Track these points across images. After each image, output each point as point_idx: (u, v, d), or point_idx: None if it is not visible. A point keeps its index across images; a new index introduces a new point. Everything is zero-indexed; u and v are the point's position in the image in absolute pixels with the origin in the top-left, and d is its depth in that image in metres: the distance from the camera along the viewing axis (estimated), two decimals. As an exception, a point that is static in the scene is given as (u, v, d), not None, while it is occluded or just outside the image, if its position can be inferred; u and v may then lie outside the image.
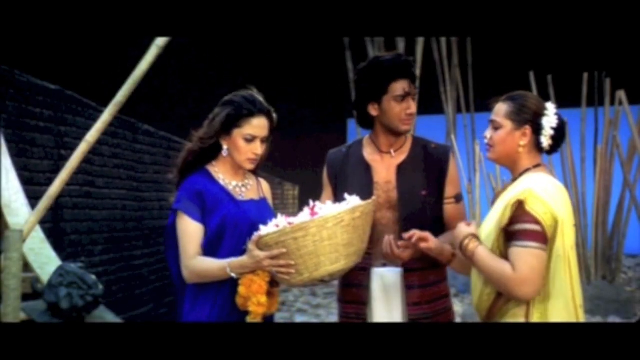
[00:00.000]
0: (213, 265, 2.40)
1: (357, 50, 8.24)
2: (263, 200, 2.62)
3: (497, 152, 2.41)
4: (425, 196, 2.68)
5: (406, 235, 2.54)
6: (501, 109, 2.39)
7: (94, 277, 3.41)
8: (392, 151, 2.74)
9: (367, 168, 2.74)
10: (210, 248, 2.45)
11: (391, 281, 2.67)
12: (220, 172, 2.55)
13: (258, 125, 2.47)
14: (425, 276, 2.68)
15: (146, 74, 2.85)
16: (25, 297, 3.08)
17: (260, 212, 2.51)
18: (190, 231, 2.45)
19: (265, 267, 2.30)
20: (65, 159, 4.60)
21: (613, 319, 7.56)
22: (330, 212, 2.29)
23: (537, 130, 2.34)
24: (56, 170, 4.83)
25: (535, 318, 2.23)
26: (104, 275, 5.67)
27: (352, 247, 2.35)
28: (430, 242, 2.52)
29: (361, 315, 2.68)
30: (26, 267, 3.39)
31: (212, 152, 2.53)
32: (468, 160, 8.59)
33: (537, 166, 2.37)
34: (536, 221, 2.20)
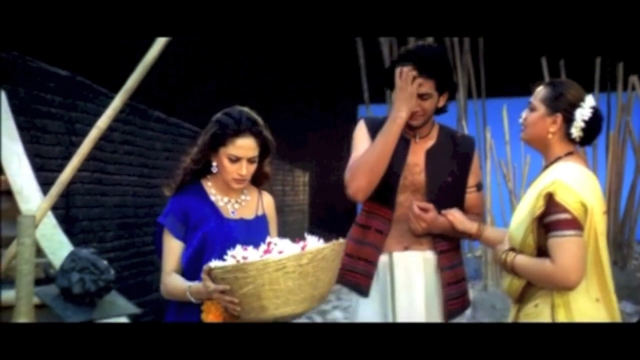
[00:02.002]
0: (179, 286, 2.36)
1: (368, 37, 8.21)
2: (260, 218, 2.54)
3: (527, 133, 2.43)
4: (450, 183, 2.73)
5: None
6: (539, 92, 2.41)
7: (105, 262, 3.43)
8: (417, 137, 2.76)
9: (406, 144, 2.75)
10: (191, 266, 2.41)
11: (413, 264, 2.71)
12: (213, 187, 2.50)
13: (242, 146, 2.39)
14: (453, 258, 2.78)
15: (157, 59, 2.84)
16: (38, 282, 3.10)
17: (250, 231, 2.44)
18: (170, 247, 2.43)
19: (215, 298, 2.23)
20: (76, 145, 4.61)
21: (624, 305, 7.54)
22: (272, 256, 2.13)
23: (569, 120, 2.34)
24: (67, 157, 4.85)
25: (557, 301, 2.25)
26: (115, 261, 5.70)
27: (301, 293, 2.15)
28: (430, 213, 2.63)
29: (370, 273, 2.71)
30: (38, 252, 3.41)
31: (206, 166, 2.48)
32: (479, 146, 8.56)
33: (569, 154, 2.37)
34: (567, 211, 2.21)
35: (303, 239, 2.25)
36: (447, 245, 2.74)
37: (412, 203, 2.72)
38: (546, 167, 2.40)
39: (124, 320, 3.35)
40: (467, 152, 2.82)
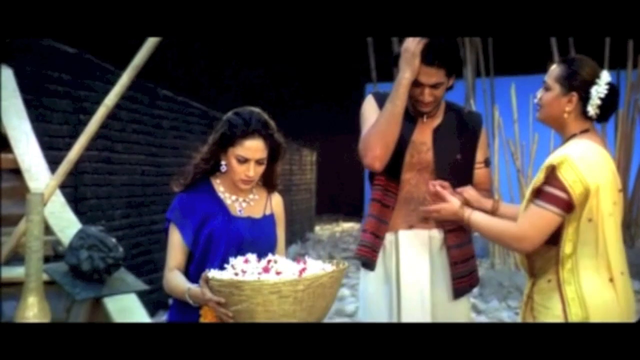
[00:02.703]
0: (179, 285, 2.34)
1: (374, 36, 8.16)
2: (267, 218, 2.53)
3: (543, 113, 2.41)
4: (458, 160, 2.72)
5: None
6: (554, 71, 2.38)
7: (114, 240, 3.44)
8: (424, 117, 2.74)
9: (411, 121, 2.74)
10: (198, 262, 2.41)
11: (419, 242, 2.71)
12: (221, 184, 2.48)
13: (250, 147, 2.36)
14: (461, 236, 2.77)
15: (165, 36, 2.83)
16: (47, 260, 3.12)
17: (257, 230, 2.44)
18: (175, 243, 2.42)
19: (211, 307, 2.20)
20: (84, 123, 4.62)
21: (632, 284, 7.55)
22: (268, 278, 2.06)
23: (585, 98, 2.31)
24: (75, 135, 4.85)
25: (566, 275, 2.26)
26: (123, 239, 5.73)
27: (294, 318, 2.09)
28: (447, 190, 2.55)
29: (376, 247, 2.73)
30: (47, 230, 3.43)
31: (216, 164, 2.47)
32: (487, 125, 8.54)
33: (584, 132, 2.34)
34: (564, 189, 2.20)
35: (304, 260, 2.19)
36: (455, 224, 2.74)
37: (418, 181, 2.71)
38: (562, 144, 2.39)
39: (132, 296, 3.38)
40: (475, 128, 2.81)
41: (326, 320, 6.68)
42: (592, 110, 2.31)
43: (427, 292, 2.68)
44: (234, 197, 2.48)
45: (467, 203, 2.56)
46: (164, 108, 7.15)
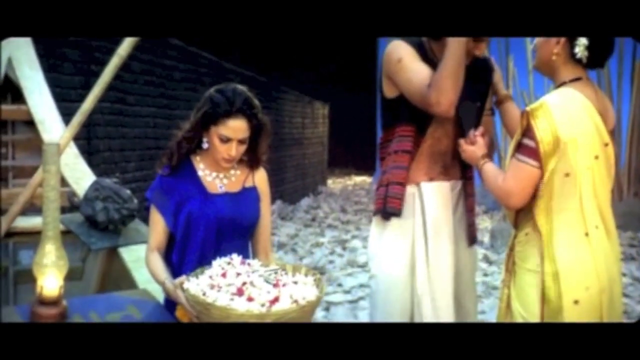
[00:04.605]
0: (156, 273, 2.32)
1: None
2: (248, 190, 2.49)
3: (536, 59, 2.32)
4: (480, 108, 2.69)
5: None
6: None
7: (128, 191, 3.46)
8: None
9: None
10: (180, 244, 2.38)
11: (441, 195, 2.71)
12: (201, 161, 2.44)
13: (233, 127, 2.31)
14: (473, 186, 2.78)
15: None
16: (62, 211, 3.15)
17: (236, 204, 2.41)
18: (155, 223, 2.39)
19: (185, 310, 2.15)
20: (95, 74, 4.60)
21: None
22: (236, 307, 1.95)
23: (572, 39, 2.21)
24: (87, 86, 4.85)
25: (544, 231, 2.22)
26: (136, 191, 5.77)
27: None
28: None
29: (401, 195, 2.71)
30: (62, 181, 3.45)
31: (199, 141, 2.42)
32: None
33: (575, 80, 2.24)
34: (534, 137, 2.15)
35: (281, 283, 2.07)
36: (471, 172, 2.75)
37: (441, 135, 2.69)
38: None
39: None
40: (487, 73, 2.75)
41: (337, 268, 6.72)
42: (580, 52, 2.19)
43: (452, 242, 2.70)
44: (214, 174, 2.45)
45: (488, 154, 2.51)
46: (175, 59, 7.11)
